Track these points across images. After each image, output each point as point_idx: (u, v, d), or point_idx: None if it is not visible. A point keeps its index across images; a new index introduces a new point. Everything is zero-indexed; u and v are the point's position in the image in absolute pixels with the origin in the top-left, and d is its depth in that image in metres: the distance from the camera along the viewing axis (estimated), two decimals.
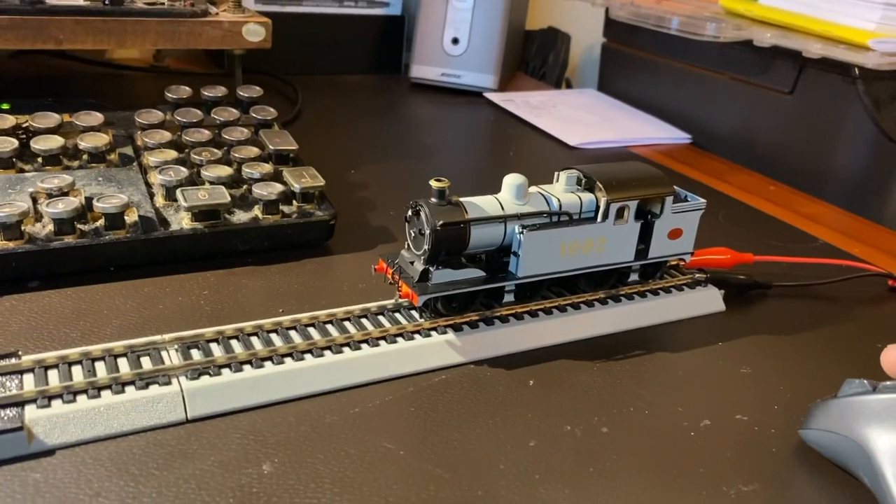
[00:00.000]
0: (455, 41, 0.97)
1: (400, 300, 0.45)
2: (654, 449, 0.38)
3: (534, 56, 1.17)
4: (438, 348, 0.43)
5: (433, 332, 0.43)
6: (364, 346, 0.42)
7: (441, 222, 0.41)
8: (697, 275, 0.52)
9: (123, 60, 0.95)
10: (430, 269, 0.42)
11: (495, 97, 0.97)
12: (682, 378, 0.44)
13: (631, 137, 0.87)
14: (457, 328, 0.44)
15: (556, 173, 0.47)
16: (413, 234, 0.43)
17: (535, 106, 0.96)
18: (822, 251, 0.63)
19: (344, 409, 0.39)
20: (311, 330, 0.42)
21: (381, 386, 0.41)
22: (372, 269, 0.45)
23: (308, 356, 0.40)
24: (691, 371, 0.45)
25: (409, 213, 0.43)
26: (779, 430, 0.40)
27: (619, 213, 0.46)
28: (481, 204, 0.43)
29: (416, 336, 0.43)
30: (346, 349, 0.41)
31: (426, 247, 0.42)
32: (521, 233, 0.43)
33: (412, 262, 0.43)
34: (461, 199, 0.43)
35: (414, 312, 0.45)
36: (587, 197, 0.46)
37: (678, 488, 0.36)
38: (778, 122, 0.81)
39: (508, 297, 0.45)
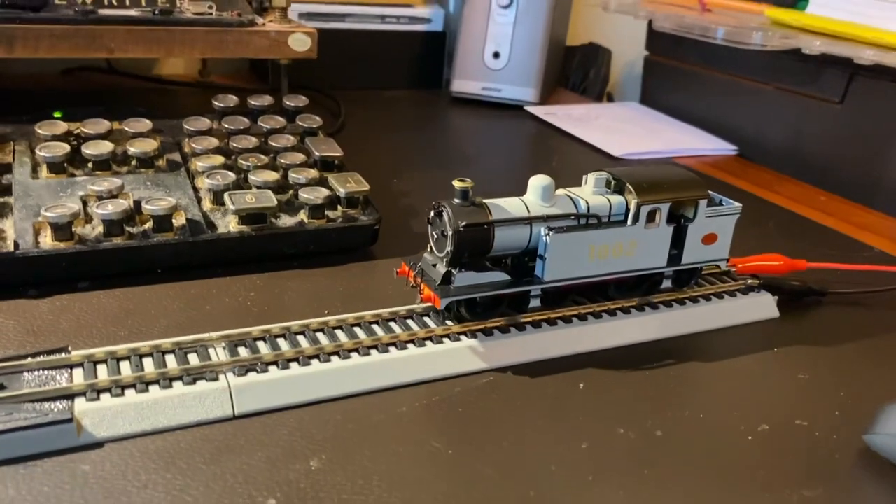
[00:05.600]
0: (496, 55, 0.97)
1: (423, 303, 0.44)
2: (711, 453, 0.37)
3: (575, 71, 1.17)
4: (485, 350, 0.42)
5: (478, 335, 0.43)
6: (410, 346, 0.41)
7: (464, 223, 0.40)
8: (750, 281, 0.51)
9: (170, 76, 0.97)
10: (453, 271, 0.42)
11: (537, 110, 0.97)
12: (738, 383, 0.43)
13: (676, 148, 0.86)
14: (504, 330, 0.43)
15: (584, 175, 0.46)
16: (436, 236, 0.42)
17: (577, 118, 0.95)
18: (877, 259, 0.61)
19: (391, 409, 0.38)
20: (357, 329, 0.42)
21: (427, 386, 0.40)
22: (394, 272, 0.44)
23: (354, 355, 0.40)
24: (747, 376, 0.44)
25: (432, 214, 0.42)
26: (841, 435, 0.39)
27: (651, 217, 0.44)
28: (506, 205, 0.42)
29: (463, 337, 0.42)
30: (392, 349, 0.41)
31: (449, 249, 0.41)
32: (548, 235, 0.42)
33: (434, 265, 0.43)
34: (485, 201, 0.42)
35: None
36: (616, 199, 0.44)
37: (738, 492, 0.34)
38: (828, 131, 0.79)
39: (534, 303, 0.44)
